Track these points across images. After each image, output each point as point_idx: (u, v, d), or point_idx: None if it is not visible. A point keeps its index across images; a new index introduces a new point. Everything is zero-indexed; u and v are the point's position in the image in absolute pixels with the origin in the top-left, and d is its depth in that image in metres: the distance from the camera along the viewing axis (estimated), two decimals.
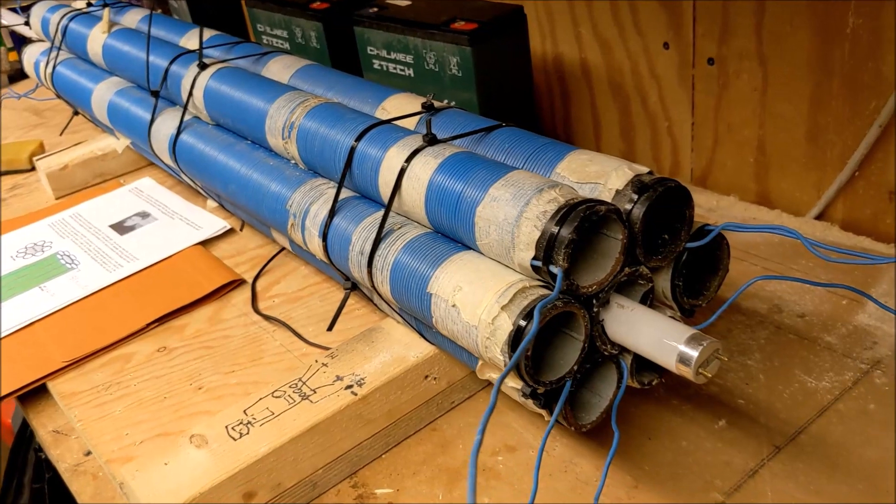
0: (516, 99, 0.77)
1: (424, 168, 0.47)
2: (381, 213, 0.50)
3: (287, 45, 0.94)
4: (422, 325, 0.52)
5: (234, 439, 0.48)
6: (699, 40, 0.74)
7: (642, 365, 0.47)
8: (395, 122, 0.54)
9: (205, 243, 0.77)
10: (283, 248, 0.73)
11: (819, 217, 0.71)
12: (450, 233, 0.47)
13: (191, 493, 0.45)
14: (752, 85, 0.71)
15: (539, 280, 0.42)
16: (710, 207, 0.76)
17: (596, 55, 0.83)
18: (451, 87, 0.74)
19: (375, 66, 0.81)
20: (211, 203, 0.82)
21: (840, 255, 0.40)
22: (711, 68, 0.74)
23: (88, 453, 0.57)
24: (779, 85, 0.69)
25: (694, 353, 0.39)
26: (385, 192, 0.50)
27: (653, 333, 0.41)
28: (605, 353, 0.44)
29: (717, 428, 0.51)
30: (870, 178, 0.66)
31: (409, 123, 0.56)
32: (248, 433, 0.48)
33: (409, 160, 0.48)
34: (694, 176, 0.80)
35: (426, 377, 0.53)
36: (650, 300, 0.45)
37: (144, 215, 0.84)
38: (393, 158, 0.50)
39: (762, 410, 0.52)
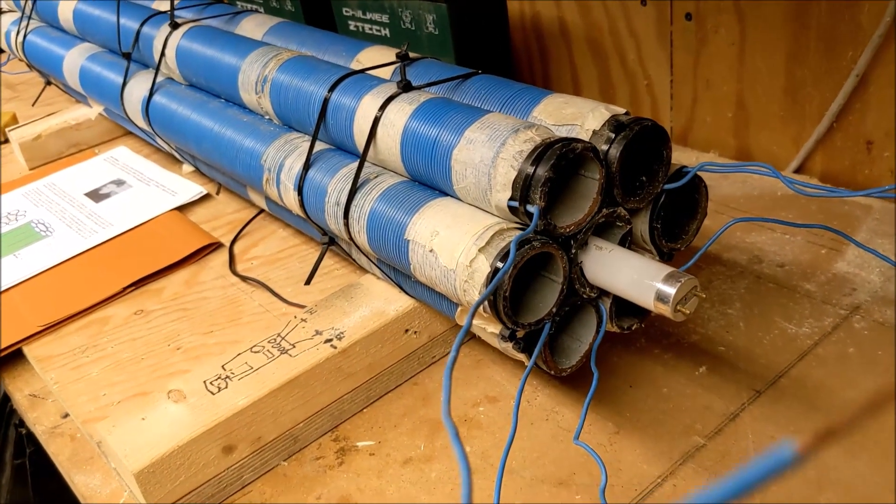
0: (494, 57, 0.77)
1: (399, 114, 0.46)
2: (357, 163, 0.49)
3: (262, 10, 0.92)
4: (401, 276, 0.51)
5: (213, 393, 0.48)
6: None
7: (622, 310, 0.47)
8: (369, 72, 0.53)
9: (181, 209, 0.77)
10: (262, 211, 0.72)
11: (798, 170, 0.71)
12: (426, 179, 0.47)
13: (169, 446, 0.44)
14: (730, 40, 0.71)
15: (517, 222, 0.42)
16: (690, 164, 0.76)
17: (574, 14, 0.82)
18: (429, 46, 0.73)
19: (351, 27, 0.80)
20: (187, 167, 0.81)
21: (814, 189, 0.40)
22: (689, 24, 0.73)
23: (66, 415, 0.56)
24: (756, 39, 0.69)
25: (671, 291, 0.39)
26: (360, 141, 0.50)
27: (630, 273, 0.41)
28: (584, 297, 0.44)
29: (698, 374, 0.51)
30: (847, 129, 0.66)
31: (384, 74, 0.55)
32: (226, 387, 0.48)
33: (383, 108, 0.48)
34: (674, 133, 0.80)
35: (406, 331, 0.53)
36: (629, 243, 0.45)
37: (120, 183, 0.83)
38: (367, 107, 0.49)
39: (742, 357, 0.52)
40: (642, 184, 0.44)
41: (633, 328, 0.48)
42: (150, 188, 0.80)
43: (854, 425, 0.12)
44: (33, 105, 1.08)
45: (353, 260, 0.57)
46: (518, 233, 0.41)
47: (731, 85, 0.73)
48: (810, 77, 0.67)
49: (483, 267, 0.40)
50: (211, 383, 0.48)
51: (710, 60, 0.73)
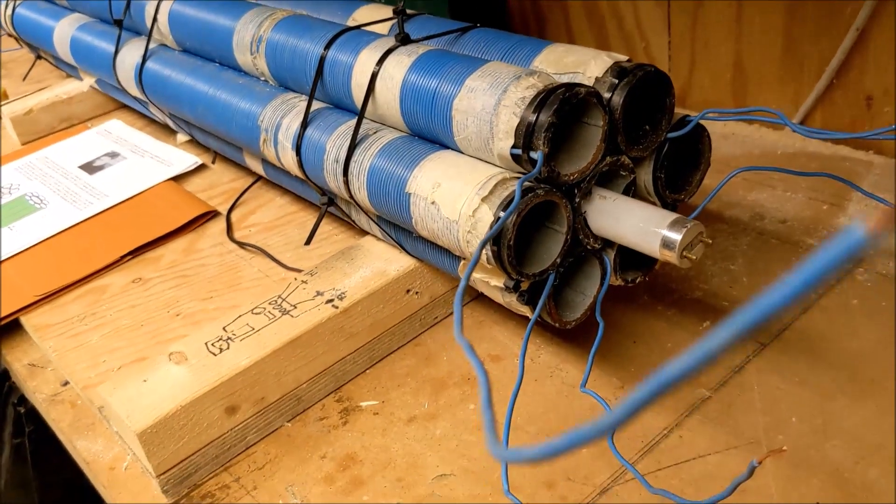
0: (489, 20, 0.76)
1: (398, 67, 0.46)
2: (355, 120, 0.49)
3: None
4: (402, 234, 0.51)
5: (215, 354, 0.47)
6: None
7: (626, 263, 0.47)
8: (365, 28, 0.52)
9: (177, 179, 0.76)
10: (259, 178, 0.72)
11: None
12: (427, 133, 0.46)
13: (171, 406, 0.44)
14: None
15: (520, 171, 0.41)
16: None
17: None
18: (424, 10, 0.72)
19: None
20: (181, 137, 0.81)
21: (818, 134, 0.40)
22: None
23: (66, 383, 0.55)
24: None
25: (677, 237, 0.38)
26: (358, 96, 0.49)
27: (635, 221, 0.40)
28: (589, 248, 0.44)
29: (702, 329, 0.51)
30: (847, 85, 0.66)
31: (381, 31, 0.54)
32: (228, 348, 0.47)
33: (381, 62, 0.47)
34: None
35: (408, 291, 0.52)
36: (632, 193, 0.45)
37: (114, 155, 0.82)
38: (365, 61, 0.48)
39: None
40: (646, 133, 0.44)
41: (637, 281, 0.47)
42: (145, 160, 0.79)
43: None
44: (24, 80, 1.07)
45: (353, 221, 0.57)
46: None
47: (729, 45, 0.72)
48: (809, 34, 0.66)
49: (486, 216, 0.40)
50: (212, 345, 0.48)
51: (708, 21, 0.73)
